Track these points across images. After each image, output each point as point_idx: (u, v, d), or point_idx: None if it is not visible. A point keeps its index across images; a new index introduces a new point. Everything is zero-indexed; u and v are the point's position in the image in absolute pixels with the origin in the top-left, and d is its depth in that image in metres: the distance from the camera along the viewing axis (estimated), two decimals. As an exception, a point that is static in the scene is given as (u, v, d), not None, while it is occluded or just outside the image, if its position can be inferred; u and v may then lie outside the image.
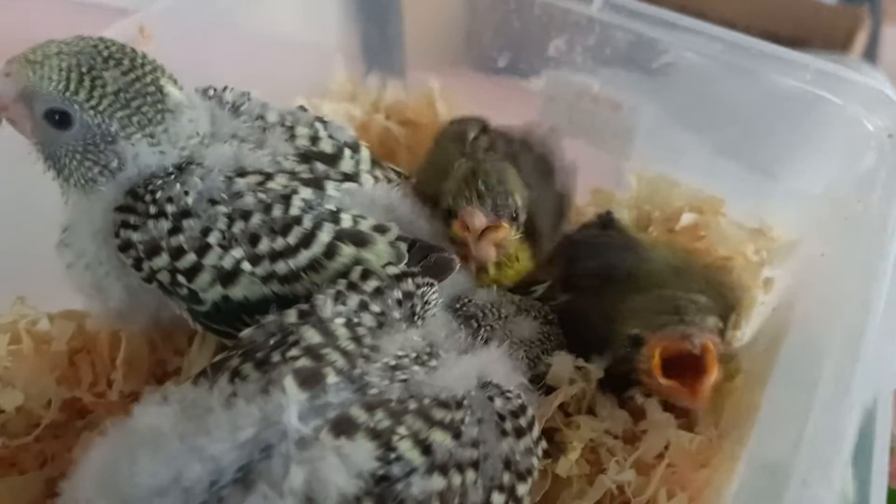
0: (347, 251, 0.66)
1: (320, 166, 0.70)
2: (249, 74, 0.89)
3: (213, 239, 0.64)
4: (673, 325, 0.65)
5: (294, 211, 0.65)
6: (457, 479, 0.53)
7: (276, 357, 0.56)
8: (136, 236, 0.65)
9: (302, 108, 0.75)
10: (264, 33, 1.06)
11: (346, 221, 0.67)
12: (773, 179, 0.94)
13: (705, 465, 0.66)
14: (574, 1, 0.91)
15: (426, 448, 0.52)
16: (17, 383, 0.74)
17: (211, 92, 0.72)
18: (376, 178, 0.73)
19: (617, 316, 0.72)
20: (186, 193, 0.64)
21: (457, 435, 0.54)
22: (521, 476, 0.57)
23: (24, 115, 0.64)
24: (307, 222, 0.65)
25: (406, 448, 0.51)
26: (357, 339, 0.57)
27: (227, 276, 0.64)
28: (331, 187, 0.68)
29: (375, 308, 0.61)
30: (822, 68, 0.83)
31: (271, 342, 0.58)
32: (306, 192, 0.66)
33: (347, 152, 0.71)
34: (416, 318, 0.62)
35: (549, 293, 0.81)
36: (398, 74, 1.15)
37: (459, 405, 0.56)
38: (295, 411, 0.51)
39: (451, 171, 0.76)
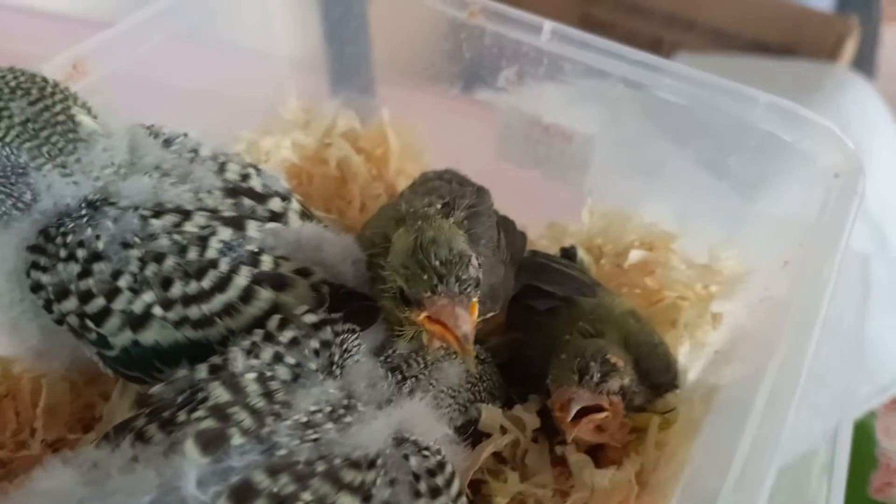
0: (265, 295, 0.63)
1: (247, 201, 0.67)
2: (207, 94, 0.88)
3: (123, 282, 0.61)
4: (569, 385, 0.66)
5: (211, 253, 0.62)
6: None
7: (181, 417, 0.53)
8: (45, 278, 0.62)
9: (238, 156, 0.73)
10: (228, 48, 1.05)
11: (266, 264, 0.64)
12: (729, 214, 0.92)
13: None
14: (523, 32, 0.89)
15: None
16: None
17: (146, 124, 0.70)
18: (306, 217, 0.71)
19: (550, 357, 0.71)
20: (98, 238, 0.61)
21: (366, 498, 0.51)
22: (438, 537, 0.54)
23: None
24: (223, 265, 0.62)
25: None
26: (269, 395, 0.55)
27: (137, 321, 0.62)
28: (252, 227, 0.65)
29: (291, 360, 0.58)
30: (772, 103, 0.81)
31: (179, 400, 0.55)
32: (225, 233, 0.64)
33: (277, 199, 0.69)
34: (334, 367, 0.59)
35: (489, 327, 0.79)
36: (365, 92, 1.13)
37: (372, 465, 0.53)
38: (194, 477, 0.48)
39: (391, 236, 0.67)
